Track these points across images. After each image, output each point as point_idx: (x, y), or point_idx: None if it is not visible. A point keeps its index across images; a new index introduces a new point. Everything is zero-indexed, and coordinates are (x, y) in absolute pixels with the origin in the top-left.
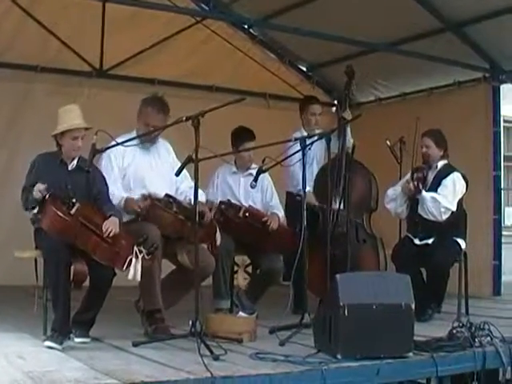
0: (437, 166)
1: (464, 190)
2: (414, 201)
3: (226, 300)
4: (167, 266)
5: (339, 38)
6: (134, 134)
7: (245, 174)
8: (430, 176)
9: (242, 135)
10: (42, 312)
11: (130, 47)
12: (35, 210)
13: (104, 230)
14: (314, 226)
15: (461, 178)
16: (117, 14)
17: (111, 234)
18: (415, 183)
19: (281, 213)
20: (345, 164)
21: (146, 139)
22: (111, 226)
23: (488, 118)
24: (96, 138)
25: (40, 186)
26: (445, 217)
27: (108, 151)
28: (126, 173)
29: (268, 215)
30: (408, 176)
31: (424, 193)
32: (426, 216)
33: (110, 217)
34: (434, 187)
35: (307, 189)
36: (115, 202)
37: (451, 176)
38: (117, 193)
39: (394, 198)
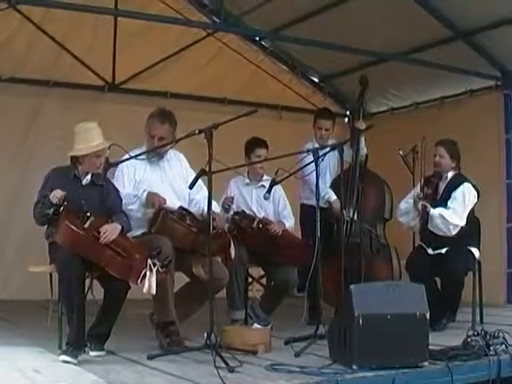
0: (447, 177)
1: (475, 201)
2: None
3: (241, 312)
4: (181, 279)
5: (350, 48)
6: (143, 149)
7: (257, 185)
8: (441, 186)
9: (253, 143)
10: (56, 326)
11: (143, 61)
12: (46, 225)
13: (101, 234)
14: (328, 236)
15: (471, 188)
16: (129, 28)
17: (107, 239)
18: (423, 205)
19: (288, 223)
20: (358, 174)
21: (153, 154)
22: (109, 230)
23: (500, 125)
24: (109, 152)
25: (59, 192)
26: (454, 232)
27: (121, 164)
28: (138, 188)
29: (273, 222)
30: (418, 189)
31: (432, 211)
32: (435, 232)
33: (111, 222)
34: (445, 199)
35: (333, 197)
36: (138, 195)
37: (461, 188)
38: (136, 191)
39: (405, 212)
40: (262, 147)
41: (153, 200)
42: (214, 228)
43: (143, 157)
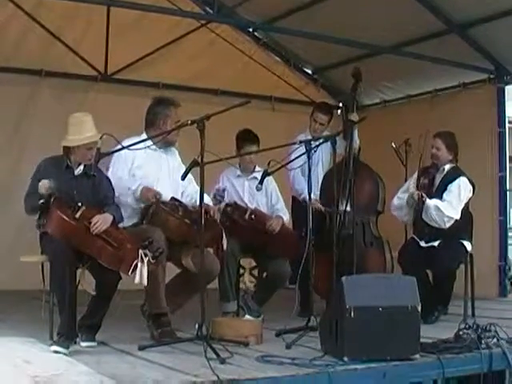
0: (444, 169)
1: (470, 195)
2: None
3: (233, 303)
4: (172, 270)
5: (344, 40)
6: (142, 137)
7: (249, 177)
8: (437, 179)
9: (243, 138)
10: (48, 316)
11: (135, 51)
12: (37, 216)
13: (92, 224)
14: (320, 228)
15: (467, 182)
16: (121, 18)
17: (98, 230)
18: (419, 194)
19: (285, 216)
20: (351, 166)
21: (169, 141)
22: (100, 220)
23: (493, 119)
24: (101, 141)
25: (45, 183)
26: (448, 225)
27: (117, 153)
28: (136, 174)
29: (271, 218)
30: (413, 182)
31: (428, 201)
32: (429, 223)
33: (103, 212)
34: (440, 191)
35: (313, 197)
36: (133, 188)
37: (457, 181)
38: (131, 184)
39: (399, 208)
40: (252, 144)
41: (147, 196)
42: (207, 219)
43: (140, 146)
